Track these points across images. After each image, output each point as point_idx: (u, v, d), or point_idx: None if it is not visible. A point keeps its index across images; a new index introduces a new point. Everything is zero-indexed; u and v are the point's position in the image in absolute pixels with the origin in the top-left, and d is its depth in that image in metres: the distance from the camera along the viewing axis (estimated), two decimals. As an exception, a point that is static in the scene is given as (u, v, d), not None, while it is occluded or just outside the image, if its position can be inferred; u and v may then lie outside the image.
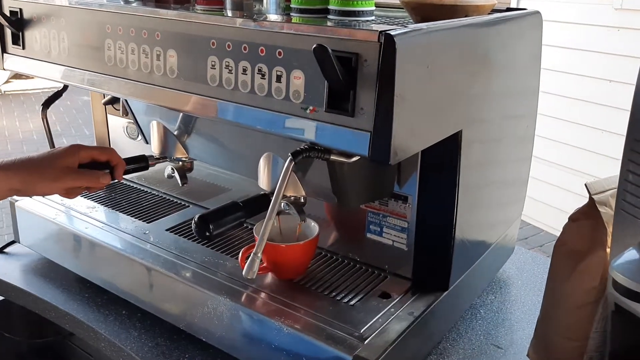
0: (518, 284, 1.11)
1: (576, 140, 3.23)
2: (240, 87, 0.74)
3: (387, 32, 0.61)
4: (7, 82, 7.17)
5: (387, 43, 0.61)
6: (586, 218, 0.79)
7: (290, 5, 0.83)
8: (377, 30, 0.62)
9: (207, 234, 0.75)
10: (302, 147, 0.72)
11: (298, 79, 0.69)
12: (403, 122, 0.64)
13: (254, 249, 0.72)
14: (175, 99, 0.82)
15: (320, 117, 0.68)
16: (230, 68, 0.75)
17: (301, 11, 0.80)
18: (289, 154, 0.71)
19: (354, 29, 0.66)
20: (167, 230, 1.06)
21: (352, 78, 0.64)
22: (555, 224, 3.39)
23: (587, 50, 3.14)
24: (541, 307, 0.87)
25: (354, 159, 0.74)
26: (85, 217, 1.10)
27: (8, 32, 1.04)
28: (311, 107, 0.69)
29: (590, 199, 0.77)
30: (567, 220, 0.82)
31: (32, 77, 7.36)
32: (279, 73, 0.71)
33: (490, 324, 0.98)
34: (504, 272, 1.15)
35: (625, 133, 0.66)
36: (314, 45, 0.61)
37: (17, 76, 7.18)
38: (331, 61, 0.61)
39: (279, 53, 0.70)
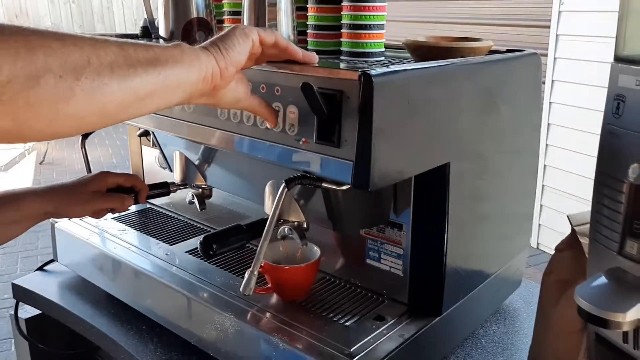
0: (523, 316, 1.13)
1: (586, 171, 3.26)
2: (245, 121, 0.83)
3: (366, 71, 0.68)
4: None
5: (366, 81, 0.68)
6: (570, 248, 0.82)
7: (307, 48, 0.91)
8: (358, 70, 0.69)
9: (211, 252, 0.83)
10: (295, 175, 0.79)
11: (293, 114, 0.77)
12: (383, 152, 0.70)
13: (251, 267, 0.79)
14: (190, 130, 0.91)
15: (311, 147, 0.75)
16: (236, 103, 0.83)
17: (316, 53, 0.88)
18: (283, 181, 0.78)
19: (339, 69, 0.73)
20: (187, 252, 1.14)
21: (338, 112, 0.71)
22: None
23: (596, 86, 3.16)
24: (533, 334, 0.89)
25: (345, 187, 0.80)
26: (115, 238, 1.20)
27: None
28: (304, 139, 0.76)
29: (572, 230, 0.80)
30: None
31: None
32: (277, 108, 0.78)
33: (489, 353, 1.01)
34: (511, 304, 1.16)
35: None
36: (301, 83, 0.69)
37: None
38: (316, 97, 0.69)
39: (277, 90, 0.78)
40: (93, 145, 6.61)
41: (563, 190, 3.53)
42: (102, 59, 0.50)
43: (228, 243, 0.84)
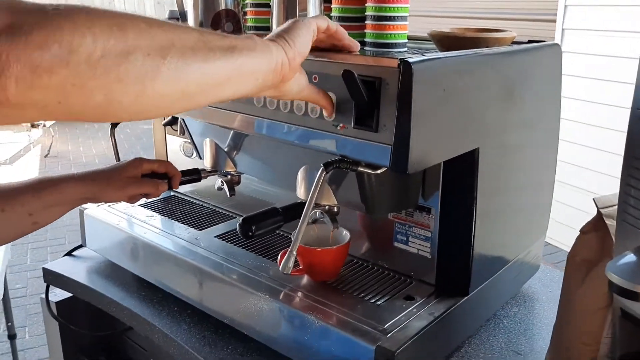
0: (542, 299, 1.17)
1: (593, 164, 3.30)
2: (281, 107, 0.86)
3: (406, 59, 0.71)
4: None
5: (405, 69, 0.71)
6: (595, 230, 0.85)
7: None
8: (397, 58, 0.72)
9: (250, 233, 0.86)
10: (333, 159, 0.82)
11: (331, 100, 0.80)
12: (420, 137, 0.73)
13: (290, 248, 0.82)
14: (225, 117, 0.94)
15: (349, 132, 0.78)
16: (273, 91, 0.86)
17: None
18: (322, 165, 0.81)
19: (378, 57, 0.76)
20: (215, 237, 1.17)
21: (376, 99, 0.74)
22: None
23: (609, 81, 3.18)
24: (557, 313, 0.93)
25: (380, 170, 0.84)
26: (144, 224, 1.23)
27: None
28: (341, 124, 0.79)
29: (598, 212, 0.84)
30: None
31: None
32: (314, 95, 0.81)
33: (512, 333, 1.04)
34: (530, 288, 1.20)
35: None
36: (342, 70, 0.72)
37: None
38: (357, 83, 0.72)
39: (315, 78, 0.81)
40: (97, 140, 6.64)
41: (568, 182, 3.57)
42: (185, 42, 0.54)
43: (266, 224, 0.88)
